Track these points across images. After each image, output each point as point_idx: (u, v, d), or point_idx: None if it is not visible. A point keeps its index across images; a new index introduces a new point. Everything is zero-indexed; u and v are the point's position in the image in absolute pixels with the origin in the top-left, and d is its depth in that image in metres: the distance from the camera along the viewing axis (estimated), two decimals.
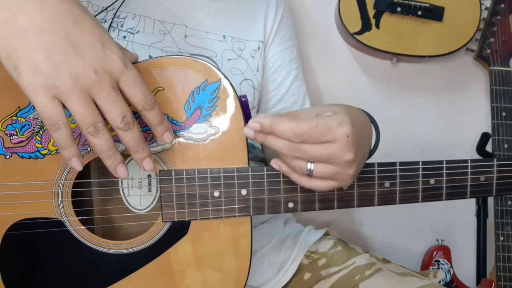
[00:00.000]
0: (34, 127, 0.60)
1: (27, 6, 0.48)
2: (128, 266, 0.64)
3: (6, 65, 0.48)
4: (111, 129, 0.53)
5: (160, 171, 0.62)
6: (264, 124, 0.56)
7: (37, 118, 0.60)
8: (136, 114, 0.58)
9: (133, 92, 0.52)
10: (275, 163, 0.61)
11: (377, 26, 1.08)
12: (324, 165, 0.56)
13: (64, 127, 0.50)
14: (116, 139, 0.54)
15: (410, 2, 1.07)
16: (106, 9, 0.74)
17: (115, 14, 0.74)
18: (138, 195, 0.66)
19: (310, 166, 0.56)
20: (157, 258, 0.64)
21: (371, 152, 0.67)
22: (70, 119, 0.51)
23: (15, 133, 0.60)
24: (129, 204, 0.67)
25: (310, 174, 0.57)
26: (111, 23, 0.74)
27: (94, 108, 0.50)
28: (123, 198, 0.66)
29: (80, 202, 0.64)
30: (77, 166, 0.54)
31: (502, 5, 1.13)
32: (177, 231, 0.64)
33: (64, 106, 0.50)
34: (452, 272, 1.20)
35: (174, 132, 0.62)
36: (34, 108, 0.59)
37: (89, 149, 0.61)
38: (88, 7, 0.73)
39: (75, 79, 0.48)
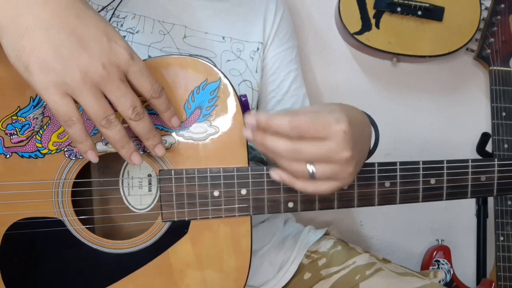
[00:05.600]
0: (34, 127, 0.60)
1: (31, 3, 0.48)
2: (128, 266, 0.64)
3: (16, 65, 0.49)
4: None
5: (160, 170, 0.62)
6: (261, 118, 0.56)
7: (37, 118, 0.60)
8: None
9: (141, 82, 0.53)
10: (275, 174, 0.59)
11: (377, 26, 1.08)
12: (324, 164, 0.56)
13: (78, 122, 0.51)
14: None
15: (410, 2, 1.07)
16: (105, 8, 0.74)
17: (113, 13, 0.74)
18: (138, 195, 0.66)
19: (311, 168, 0.56)
20: (157, 258, 0.64)
21: (371, 152, 0.67)
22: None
23: (15, 132, 0.60)
24: (129, 204, 0.67)
25: (312, 176, 0.57)
26: (109, 22, 0.74)
27: (105, 101, 0.51)
28: (123, 197, 0.66)
29: (80, 201, 0.64)
30: (93, 158, 0.55)
31: (502, 5, 1.13)
32: (177, 230, 0.64)
33: (75, 101, 0.50)
34: (452, 272, 1.20)
35: (174, 131, 0.62)
36: (34, 107, 0.59)
37: None
38: None
39: (84, 75, 0.49)
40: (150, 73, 0.54)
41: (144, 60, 0.60)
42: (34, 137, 0.60)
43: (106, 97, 0.52)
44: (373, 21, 1.08)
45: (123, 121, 0.55)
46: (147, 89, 0.54)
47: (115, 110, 0.52)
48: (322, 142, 0.54)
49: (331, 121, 0.54)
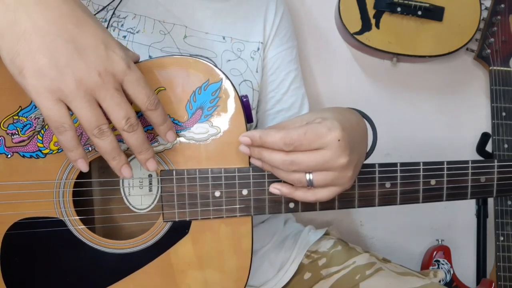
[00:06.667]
0: (35, 127, 0.60)
1: (30, 9, 0.48)
2: (129, 266, 0.64)
3: (10, 69, 0.49)
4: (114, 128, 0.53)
5: (161, 171, 0.62)
6: (255, 137, 0.57)
7: (38, 118, 0.60)
8: (139, 114, 0.58)
9: (137, 93, 0.53)
10: (274, 188, 0.61)
11: (377, 26, 1.08)
12: (322, 172, 0.57)
13: (69, 129, 0.50)
14: (119, 139, 0.55)
15: (410, 2, 1.07)
16: (105, 7, 0.74)
17: (113, 13, 0.74)
18: (139, 195, 0.66)
19: (309, 176, 0.57)
20: (158, 258, 0.64)
21: (370, 150, 0.67)
22: (76, 121, 0.51)
23: (16, 132, 0.60)
24: (130, 204, 0.67)
25: (310, 184, 0.57)
26: (110, 22, 0.74)
27: (99, 110, 0.50)
28: (124, 197, 0.66)
29: (81, 201, 0.64)
30: (83, 167, 0.54)
31: (502, 5, 1.13)
32: (178, 231, 0.64)
33: (69, 109, 0.50)
34: (452, 272, 1.20)
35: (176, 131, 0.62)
36: (35, 107, 0.59)
37: (90, 148, 0.61)
38: (89, 6, 0.73)
39: (79, 82, 0.48)
40: (147, 84, 0.53)
41: (145, 60, 0.60)
42: (36, 137, 0.60)
43: (101, 108, 0.51)
44: (373, 21, 1.08)
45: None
46: (143, 100, 0.53)
47: (110, 122, 0.52)
48: (318, 151, 0.55)
49: (324, 131, 0.55)
